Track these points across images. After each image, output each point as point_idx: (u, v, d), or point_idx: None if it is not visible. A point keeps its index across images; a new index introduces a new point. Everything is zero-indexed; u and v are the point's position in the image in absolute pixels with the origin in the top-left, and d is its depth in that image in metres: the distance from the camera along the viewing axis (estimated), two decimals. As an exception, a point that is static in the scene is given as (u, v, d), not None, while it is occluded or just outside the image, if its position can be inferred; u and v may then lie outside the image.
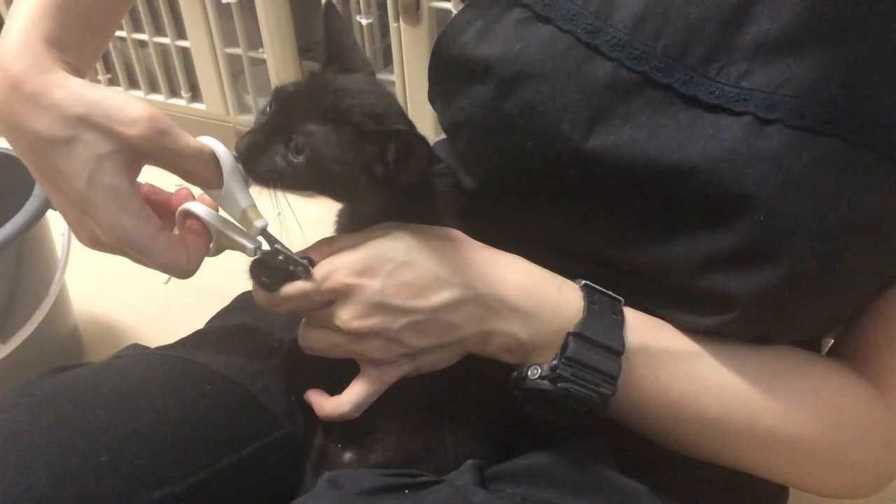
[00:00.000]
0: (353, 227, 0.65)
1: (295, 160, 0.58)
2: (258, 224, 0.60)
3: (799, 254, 0.53)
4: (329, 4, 0.65)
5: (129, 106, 0.54)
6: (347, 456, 0.64)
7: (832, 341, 0.67)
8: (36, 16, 0.56)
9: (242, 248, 0.61)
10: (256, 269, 0.61)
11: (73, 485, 0.52)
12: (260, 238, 0.61)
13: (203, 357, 0.66)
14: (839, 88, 0.52)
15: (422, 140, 0.57)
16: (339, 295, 0.59)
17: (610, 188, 0.57)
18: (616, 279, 0.61)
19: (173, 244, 0.58)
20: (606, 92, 0.56)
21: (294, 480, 0.65)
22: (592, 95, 0.56)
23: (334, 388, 0.64)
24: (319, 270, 0.60)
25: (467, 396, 0.65)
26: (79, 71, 0.58)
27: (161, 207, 0.62)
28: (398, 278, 0.59)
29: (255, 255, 0.61)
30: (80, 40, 0.59)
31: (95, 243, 0.58)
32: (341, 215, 0.69)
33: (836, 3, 0.52)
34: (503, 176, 0.62)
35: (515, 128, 0.59)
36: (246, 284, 0.82)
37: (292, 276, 0.60)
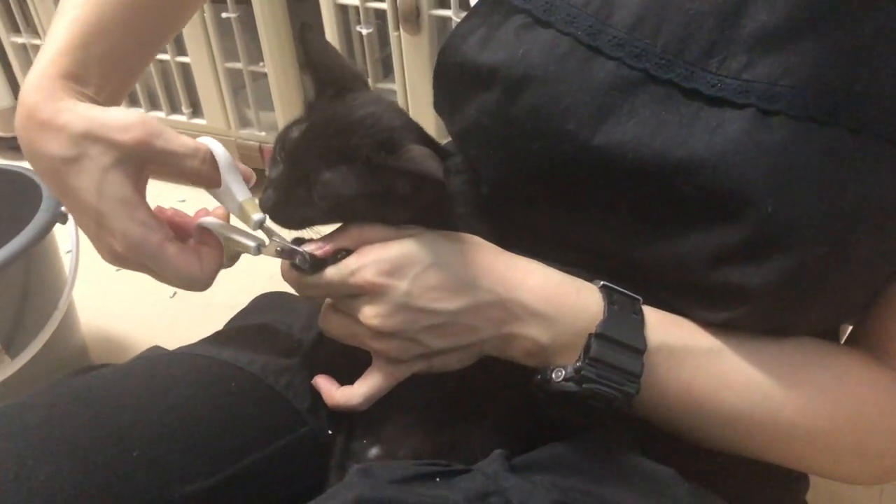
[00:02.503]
0: None
1: (321, 206, 0.59)
2: (255, 217, 0.60)
3: (808, 243, 0.53)
4: (305, 25, 0.64)
5: (123, 115, 0.57)
6: (374, 451, 0.64)
7: (850, 328, 0.68)
8: (57, 55, 0.60)
9: (246, 248, 0.61)
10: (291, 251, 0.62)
11: (104, 480, 0.52)
12: (263, 235, 0.61)
13: (227, 355, 0.66)
14: (839, 77, 0.53)
15: (431, 171, 0.56)
16: (366, 292, 0.60)
17: (618, 186, 0.58)
18: (630, 274, 0.62)
19: (184, 254, 0.59)
20: (609, 91, 0.57)
21: (318, 478, 0.65)
22: (596, 95, 0.57)
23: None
24: (348, 264, 0.59)
25: (492, 389, 0.65)
26: (97, 102, 0.61)
27: (184, 229, 0.63)
28: (425, 281, 0.59)
29: (258, 253, 0.61)
30: (101, 75, 0.62)
31: (115, 258, 0.60)
32: None
33: None
34: (513, 179, 0.63)
35: (523, 131, 0.59)
36: (257, 290, 0.83)
37: (324, 264, 0.60)
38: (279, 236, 0.61)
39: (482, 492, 0.54)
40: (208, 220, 0.62)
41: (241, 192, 0.60)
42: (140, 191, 0.58)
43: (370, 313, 0.59)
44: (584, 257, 0.63)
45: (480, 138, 0.63)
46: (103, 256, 0.61)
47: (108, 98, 0.63)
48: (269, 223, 0.61)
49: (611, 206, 0.59)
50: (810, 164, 0.53)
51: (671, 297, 0.62)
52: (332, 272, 0.60)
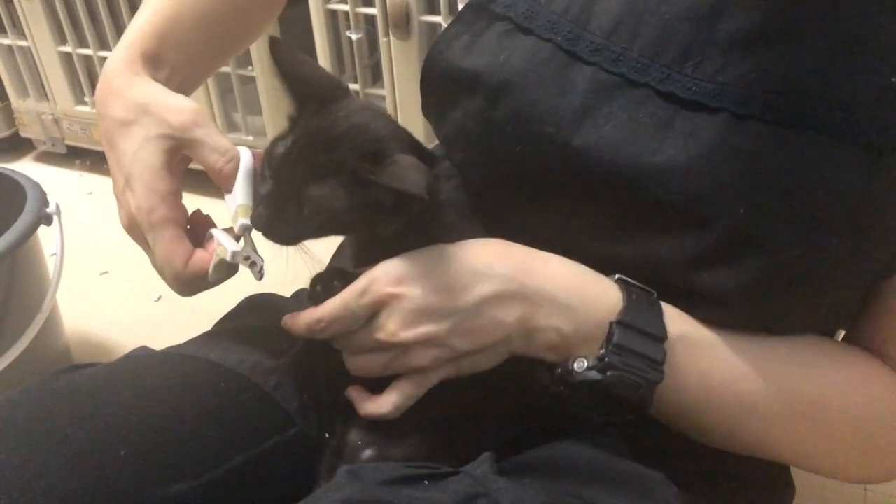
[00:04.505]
0: (369, 249, 0.64)
1: (312, 221, 0.59)
2: (241, 222, 0.61)
3: (780, 246, 0.54)
4: (273, 40, 0.63)
5: (181, 100, 0.64)
6: (367, 453, 0.64)
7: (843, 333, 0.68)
8: (141, 35, 0.69)
9: (224, 252, 0.61)
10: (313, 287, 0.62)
11: (93, 478, 0.52)
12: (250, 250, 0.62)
13: (215, 355, 0.66)
14: (812, 82, 0.54)
15: (412, 189, 0.55)
16: (383, 306, 0.59)
17: (595, 188, 0.58)
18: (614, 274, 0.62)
19: (178, 242, 0.61)
20: (587, 94, 0.58)
21: (307, 479, 0.64)
22: (574, 99, 0.58)
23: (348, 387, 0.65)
24: (358, 283, 0.59)
25: (484, 392, 0.64)
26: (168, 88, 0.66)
27: (202, 231, 0.65)
28: (437, 279, 0.58)
29: (233, 259, 0.61)
30: (172, 64, 0.69)
31: (128, 222, 0.64)
32: (352, 244, 0.69)
33: None
34: (497, 183, 0.63)
35: (505, 135, 0.60)
36: (243, 296, 0.82)
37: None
38: (251, 242, 0.62)
39: (471, 494, 0.53)
40: (217, 229, 0.64)
41: (242, 197, 0.61)
42: (171, 168, 0.62)
43: (393, 327, 0.59)
44: (574, 258, 0.63)
45: (466, 142, 0.64)
46: (120, 218, 0.65)
47: (176, 88, 0.67)
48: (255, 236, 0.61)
49: (590, 209, 0.60)
50: (781, 169, 0.53)
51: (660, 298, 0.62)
52: (346, 294, 0.59)
